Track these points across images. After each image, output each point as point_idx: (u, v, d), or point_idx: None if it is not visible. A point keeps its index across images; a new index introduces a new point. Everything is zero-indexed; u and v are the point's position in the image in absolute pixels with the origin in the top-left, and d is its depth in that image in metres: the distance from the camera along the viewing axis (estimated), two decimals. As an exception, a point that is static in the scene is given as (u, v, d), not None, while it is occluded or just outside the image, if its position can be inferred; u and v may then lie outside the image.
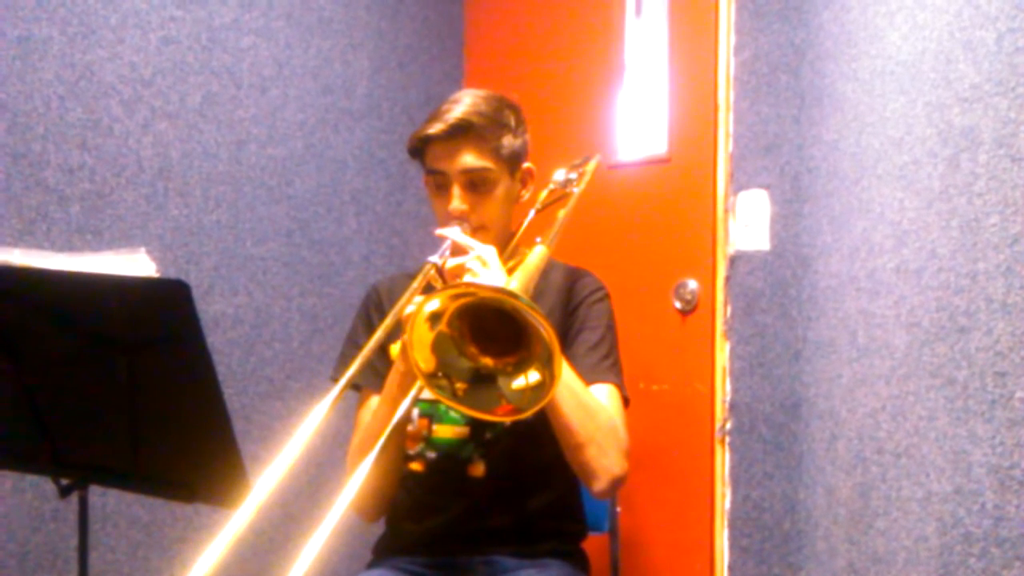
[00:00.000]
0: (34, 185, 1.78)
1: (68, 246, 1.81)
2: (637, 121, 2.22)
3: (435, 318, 1.11)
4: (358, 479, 1.08)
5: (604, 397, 1.42)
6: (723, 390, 1.97)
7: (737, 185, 1.98)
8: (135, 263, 1.31)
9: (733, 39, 1.98)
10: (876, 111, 1.53)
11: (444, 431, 1.47)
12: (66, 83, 1.83)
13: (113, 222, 1.89)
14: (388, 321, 1.20)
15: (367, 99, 2.39)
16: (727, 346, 1.97)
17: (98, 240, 1.86)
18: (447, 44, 2.60)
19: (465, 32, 2.64)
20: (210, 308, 2.03)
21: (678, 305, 2.07)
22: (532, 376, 1.11)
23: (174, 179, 1.99)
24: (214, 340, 1.99)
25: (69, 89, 1.83)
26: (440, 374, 1.13)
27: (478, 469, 1.45)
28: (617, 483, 1.38)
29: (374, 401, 1.46)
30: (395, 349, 1.36)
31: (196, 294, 1.09)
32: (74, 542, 1.32)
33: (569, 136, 2.31)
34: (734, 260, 1.97)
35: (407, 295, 1.23)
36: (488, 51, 2.59)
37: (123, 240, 1.88)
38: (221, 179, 2.07)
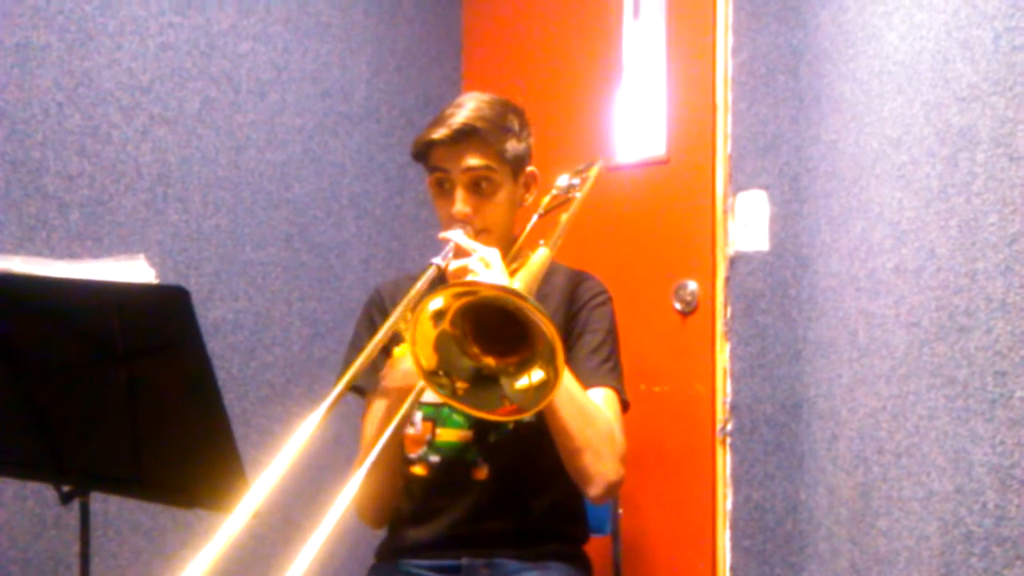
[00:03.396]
0: (33, 192, 1.78)
1: (68, 253, 1.81)
2: (636, 122, 2.22)
3: (438, 316, 1.10)
4: (357, 484, 1.07)
5: (602, 401, 1.42)
6: (724, 391, 1.97)
7: (736, 186, 1.98)
8: (134, 269, 1.31)
9: (731, 40, 1.98)
10: (874, 111, 1.53)
11: (448, 435, 1.47)
12: (65, 90, 1.83)
13: (112, 228, 1.89)
14: (392, 322, 1.18)
15: (365, 103, 2.39)
16: (727, 347, 1.97)
17: (98, 247, 1.86)
18: (445, 47, 2.61)
19: (463, 35, 2.64)
20: (210, 314, 2.03)
21: (678, 306, 2.07)
22: (535, 375, 1.10)
23: (173, 185, 1.99)
24: (214, 345, 1.99)
25: (68, 96, 1.83)
26: (441, 372, 1.12)
27: (482, 472, 1.45)
28: (613, 489, 1.38)
29: (379, 406, 1.46)
30: (399, 351, 1.36)
31: (196, 300, 1.09)
32: (76, 548, 1.32)
33: (568, 138, 2.31)
34: (734, 261, 1.97)
35: (409, 295, 1.22)
36: (486, 54, 2.59)
37: (122, 246, 1.88)
38: (220, 184, 2.07)
